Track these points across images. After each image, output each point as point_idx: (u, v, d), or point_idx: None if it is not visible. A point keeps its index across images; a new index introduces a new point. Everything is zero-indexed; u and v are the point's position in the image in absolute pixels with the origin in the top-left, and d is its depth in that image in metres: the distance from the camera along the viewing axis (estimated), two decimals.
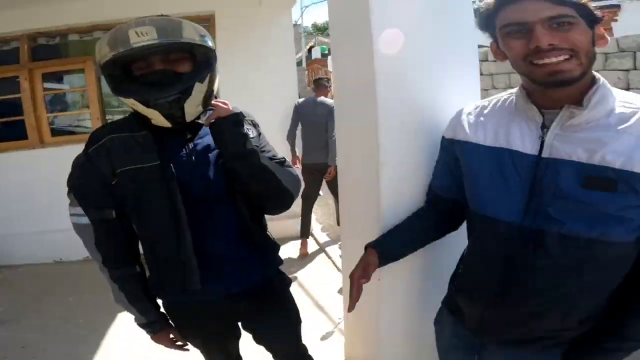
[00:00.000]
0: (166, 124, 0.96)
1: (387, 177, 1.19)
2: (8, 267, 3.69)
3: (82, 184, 0.97)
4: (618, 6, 7.74)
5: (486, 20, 0.77)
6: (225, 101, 0.99)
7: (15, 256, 3.74)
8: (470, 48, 1.25)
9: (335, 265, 3.35)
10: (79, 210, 0.98)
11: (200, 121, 1.05)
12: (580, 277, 0.75)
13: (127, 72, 0.94)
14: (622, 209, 0.69)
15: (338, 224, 3.68)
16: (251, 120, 1.13)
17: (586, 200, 0.70)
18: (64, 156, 3.83)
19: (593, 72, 0.74)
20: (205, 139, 1.06)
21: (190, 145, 1.03)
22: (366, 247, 1.03)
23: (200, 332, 1.18)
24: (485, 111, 0.88)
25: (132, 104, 0.94)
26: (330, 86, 3.76)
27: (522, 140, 0.78)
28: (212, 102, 1.01)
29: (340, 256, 3.44)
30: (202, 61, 0.96)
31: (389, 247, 1.04)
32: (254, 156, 0.98)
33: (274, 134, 2.64)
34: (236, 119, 0.97)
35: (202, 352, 1.29)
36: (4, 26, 3.58)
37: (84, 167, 0.97)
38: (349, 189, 1.51)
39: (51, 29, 3.69)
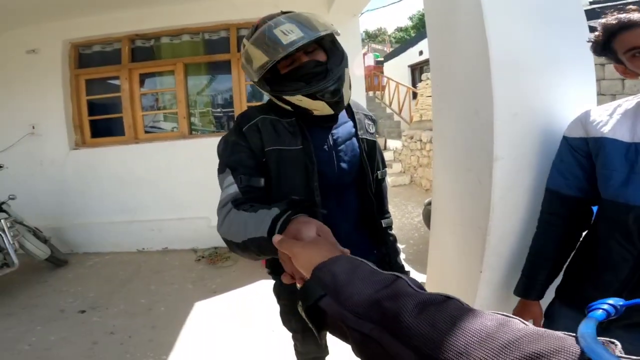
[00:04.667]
0: (330, 111, 1.01)
1: (500, 171, 1.18)
2: (97, 254, 4.05)
3: (235, 159, 1.00)
4: None
5: (601, 48, 0.93)
6: None
7: (104, 244, 4.10)
8: (584, 54, 1.23)
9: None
10: (230, 179, 0.97)
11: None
12: None
13: (273, 72, 1.00)
14: None
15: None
16: (371, 116, 1.23)
17: None
18: (152, 152, 4.24)
19: None
20: (341, 128, 1.12)
21: (330, 135, 1.09)
22: (524, 300, 1.12)
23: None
24: (619, 112, 0.97)
25: (298, 100, 0.99)
26: None
27: None
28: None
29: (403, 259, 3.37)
30: (332, 48, 1.02)
31: (543, 287, 1.10)
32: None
33: None
34: None
35: (297, 339, 1.32)
36: (108, 27, 3.96)
37: (236, 144, 1.02)
38: (447, 183, 1.48)
39: (147, 31, 4.03)
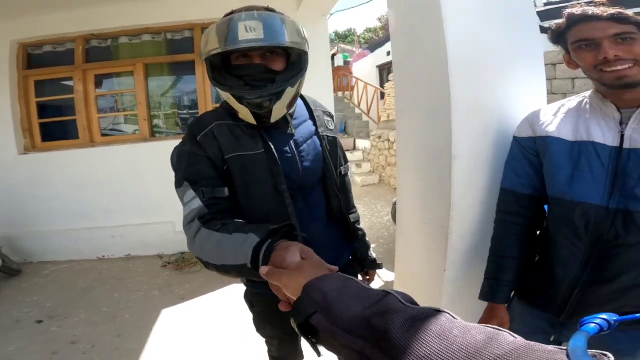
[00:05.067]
0: (252, 120, 0.99)
1: (459, 170, 1.20)
2: (53, 263, 3.84)
3: (193, 170, 0.96)
4: None
5: (557, 36, 0.94)
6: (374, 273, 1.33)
7: (61, 252, 3.89)
8: (536, 54, 1.30)
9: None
10: (191, 194, 0.93)
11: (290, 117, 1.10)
12: None
13: (225, 59, 0.97)
14: None
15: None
16: (329, 112, 1.22)
17: None
18: (111, 156, 4.05)
19: None
20: (301, 127, 1.11)
21: (290, 135, 1.07)
22: (491, 304, 1.10)
23: (281, 325, 1.18)
24: (562, 111, 1.01)
25: (227, 97, 0.97)
26: None
27: (603, 134, 0.90)
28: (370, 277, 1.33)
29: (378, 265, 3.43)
30: (295, 62, 0.99)
31: (510, 289, 1.10)
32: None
33: None
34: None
35: (272, 345, 1.31)
36: (61, 27, 3.77)
37: (192, 154, 0.97)
38: (410, 182, 1.51)
39: (103, 31, 3.86)
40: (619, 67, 0.83)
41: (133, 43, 3.95)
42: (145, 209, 3.86)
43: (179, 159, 0.99)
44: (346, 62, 15.57)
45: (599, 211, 0.90)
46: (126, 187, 3.87)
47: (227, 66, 0.97)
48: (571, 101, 1.02)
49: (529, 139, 1.05)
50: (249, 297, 1.23)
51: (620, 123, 0.89)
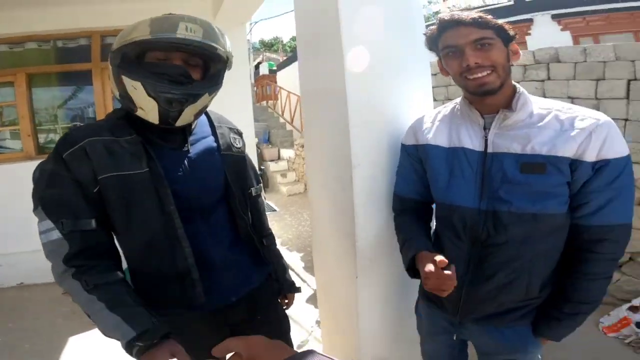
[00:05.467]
0: (155, 119, 0.91)
1: (359, 178, 1.22)
2: None
3: (52, 194, 0.84)
4: (531, 20, 8.64)
5: (431, 42, 0.97)
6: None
7: None
8: (424, 63, 1.36)
9: (299, 276, 3.36)
10: (49, 224, 0.84)
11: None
12: (533, 246, 0.91)
13: (140, 57, 0.90)
14: (553, 187, 0.87)
15: None
16: (237, 130, 1.16)
17: (525, 182, 0.88)
18: None
19: (513, 82, 0.94)
20: (200, 144, 1.03)
21: (184, 153, 0.99)
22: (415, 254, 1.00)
23: (194, 348, 1.10)
24: (438, 118, 1.05)
25: (133, 88, 0.87)
26: None
27: (471, 139, 0.95)
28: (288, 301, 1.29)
29: (304, 267, 3.41)
30: (215, 75, 0.96)
31: (427, 241, 1.05)
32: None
33: None
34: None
35: None
36: None
37: (54, 174, 0.85)
38: (319, 193, 1.51)
39: None
40: (479, 75, 0.86)
41: (14, 51, 3.47)
42: (35, 234, 3.36)
43: (38, 179, 0.87)
44: (272, 71, 15.57)
45: (472, 214, 0.94)
46: (12, 211, 3.33)
47: (140, 64, 0.89)
48: (446, 108, 1.06)
49: (413, 147, 1.08)
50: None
51: (485, 128, 0.94)
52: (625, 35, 7.32)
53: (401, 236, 1.11)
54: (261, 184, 1.26)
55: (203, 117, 1.09)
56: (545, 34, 8.18)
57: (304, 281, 3.25)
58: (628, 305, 2.47)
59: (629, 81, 2.75)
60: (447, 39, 0.90)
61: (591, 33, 7.95)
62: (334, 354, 1.62)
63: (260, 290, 1.12)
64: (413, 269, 1.01)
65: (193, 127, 1.03)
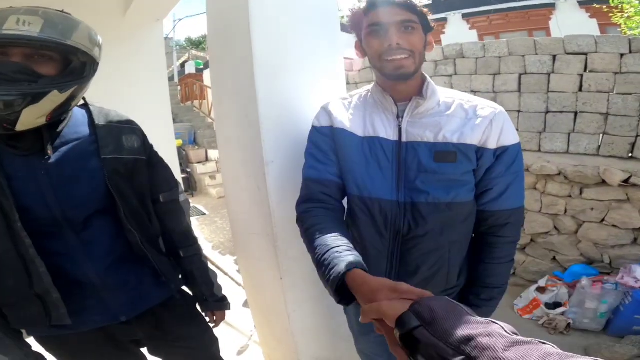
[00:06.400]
0: None
1: (273, 176, 1.19)
2: None
3: None
4: (445, 19, 9.34)
5: (355, 20, 0.92)
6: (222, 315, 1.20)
7: None
8: (336, 55, 1.35)
9: (234, 280, 3.24)
10: None
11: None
12: (449, 236, 0.92)
13: None
14: (462, 175, 0.88)
15: None
16: (132, 127, 1.02)
17: (439, 171, 0.88)
18: None
19: (422, 72, 0.93)
20: (67, 149, 0.90)
21: (42, 160, 0.86)
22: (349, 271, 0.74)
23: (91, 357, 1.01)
24: (352, 104, 1.00)
25: None
26: None
27: (385, 128, 0.92)
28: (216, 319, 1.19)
29: (238, 271, 3.32)
30: (75, 69, 0.84)
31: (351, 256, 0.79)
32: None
33: None
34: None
35: None
36: None
37: None
38: (235, 194, 1.45)
39: None
40: (398, 57, 0.84)
41: None
42: None
43: None
44: (199, 70, 14.87)
45: (392, 206, 0.90)
46: None
47: None
48: (358, 94, 1.01)
49: (328, 128, 0.98)
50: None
51: (398, 117, 0.91)
52: (521, 33, 8.22)
53: (316, 243, 0.83)
54: (178, 188, 1.14)
55: (80, 116, 0.95)
56: (457, 32, 8.89)
57: (239, 285, 3.14)
58: (535, 286, 2.63)
59: (520, 75, 3.06)
60: (374, 17, 0.86)
61: (493, 32, 8.81)
62: (274, 359, 1.59)
63: (166, 307, 1.04)
64: (342, 291, 0.73)
65: (60, 128, 0.89)
